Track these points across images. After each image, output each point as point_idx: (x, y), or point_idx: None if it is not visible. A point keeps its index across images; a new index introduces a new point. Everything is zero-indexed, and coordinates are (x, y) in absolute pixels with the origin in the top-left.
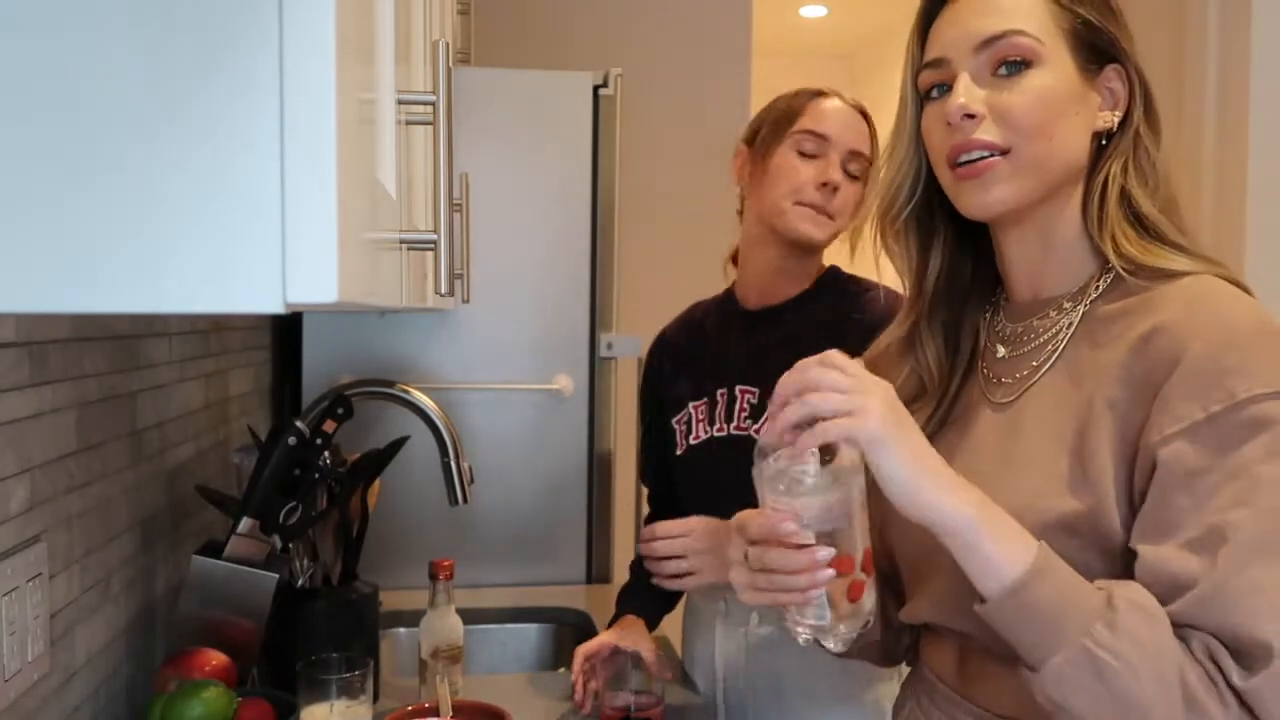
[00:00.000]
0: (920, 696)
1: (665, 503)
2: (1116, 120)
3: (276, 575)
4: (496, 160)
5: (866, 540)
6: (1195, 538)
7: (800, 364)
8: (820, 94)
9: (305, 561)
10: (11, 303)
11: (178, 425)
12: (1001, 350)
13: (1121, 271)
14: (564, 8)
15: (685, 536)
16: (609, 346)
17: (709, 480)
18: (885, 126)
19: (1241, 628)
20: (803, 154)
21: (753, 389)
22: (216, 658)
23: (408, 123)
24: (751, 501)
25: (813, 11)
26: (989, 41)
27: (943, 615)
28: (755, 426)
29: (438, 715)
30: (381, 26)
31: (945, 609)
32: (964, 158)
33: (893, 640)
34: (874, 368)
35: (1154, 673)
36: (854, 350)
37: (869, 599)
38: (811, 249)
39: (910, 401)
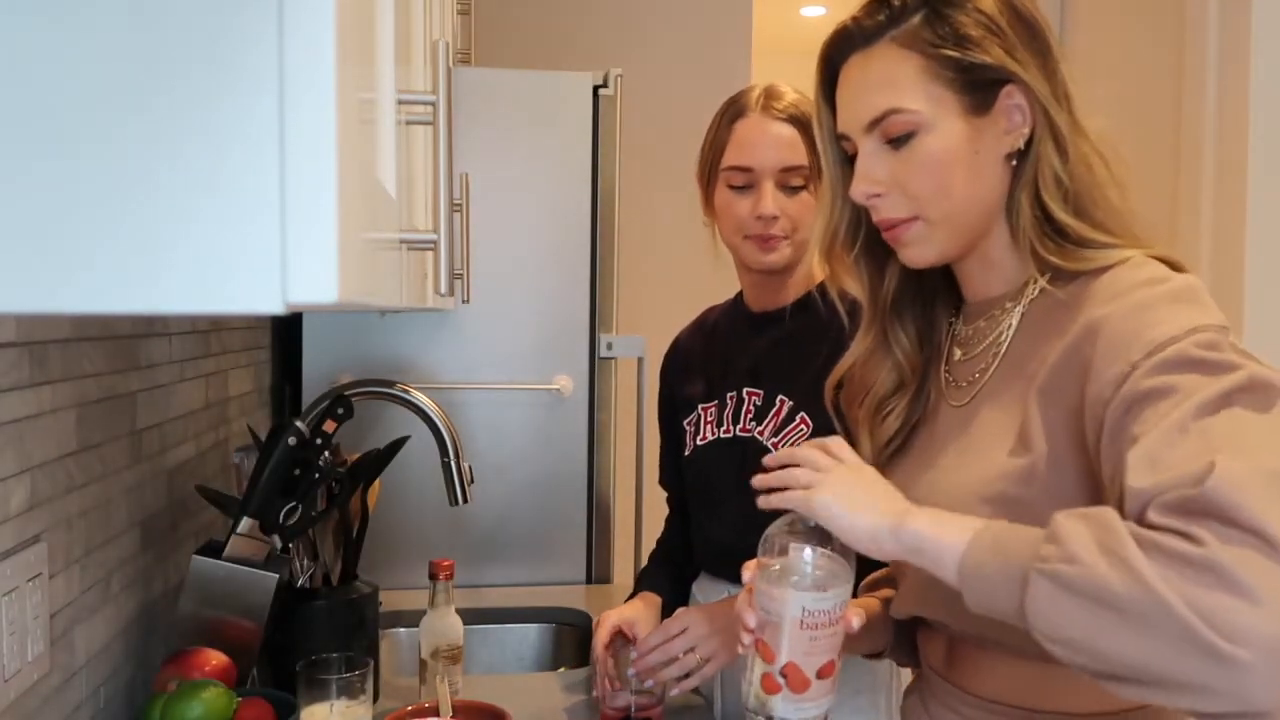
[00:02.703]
0: (920, 688)
1: (683, 509)
2: (1026, 135)
3: (276, 575)
4: (496, 160)
5: (799, 657)
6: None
7: (804, 444)
8: (739, 115)
9: (305, 561)
10: (11, 303)
11: (178, 425)
12: (958, 353)
13: (1046, 285)
14: (564, 8)
15: (682, 633)
16: (609, 346)
17: (711, 480)
18: None
19: (1172, 477)
20: (734, 188)
21: (758, 390)
22: (216, 658)
23: (408, 123)
24: (746, 505)
25: (813, 11)
26: (873, 123)
27: (922, 606)
28: (759, 428)
29: (438, 715)
30: (381, 26)
31: (922, 600)
32: (885, 223)
33: (908, 642)
34: (853, 379)
35: (1105, 552)
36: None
37: (781, 705)
38: (779, 272)
39: (891, 394)
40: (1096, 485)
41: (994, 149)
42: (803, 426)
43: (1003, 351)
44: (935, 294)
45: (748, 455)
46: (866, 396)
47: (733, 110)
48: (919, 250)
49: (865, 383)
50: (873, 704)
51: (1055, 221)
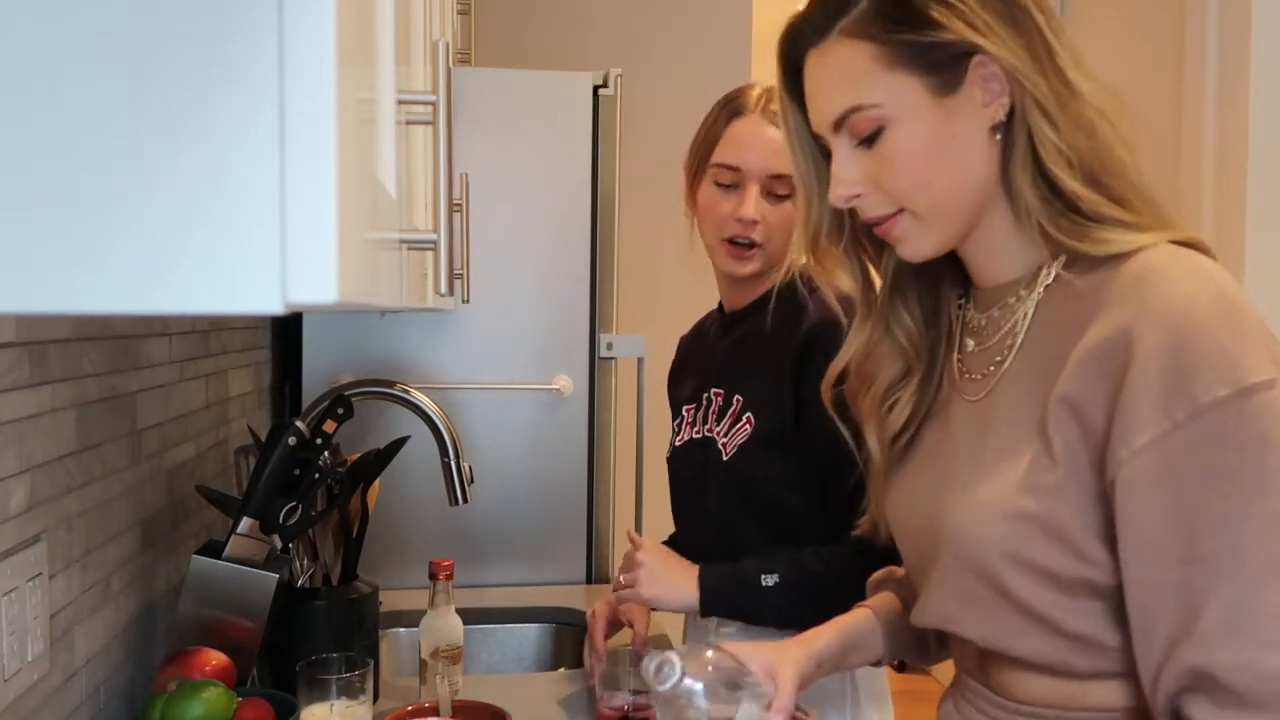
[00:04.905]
0: (955, 692)
1: None
2: (1008, 106)
3: (276, 575)
4: (496, 160)
5: None
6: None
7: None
8: (737, 114)
9: (305, 561)
10: (11, 303)
11: (178, 425)
12: (971, 343)
13: (1061, 272)
14: (564, 8)
15: (640, 550)
16: (609, 346)
17: (683, 480)
18: None
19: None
20: (721, 186)
21: (722, 390)
22: (216, 658)
23: (408, 123)
24: (716, 505)
25: None
26: (838, 123)
27: (944, 621)
28: (718, 428)
29: (438, 715)
30: (381, 26)
31: (945, 617)
32: (871, 221)
33: (919, 640)
34: (858, 372)
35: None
36: (798, 348)
37: None
38: (746, 280)
39: (899, 381)
40: (1110, 504)
41: (973, 126)
42: (746, 427)
43: (1018, 343)
44: (941, 272)
45: (710, 456)
46: (872, 386)
47: (731, 107)
48: (914, 245)
49: (868, 374)
50: None
51: (1065, 195)
